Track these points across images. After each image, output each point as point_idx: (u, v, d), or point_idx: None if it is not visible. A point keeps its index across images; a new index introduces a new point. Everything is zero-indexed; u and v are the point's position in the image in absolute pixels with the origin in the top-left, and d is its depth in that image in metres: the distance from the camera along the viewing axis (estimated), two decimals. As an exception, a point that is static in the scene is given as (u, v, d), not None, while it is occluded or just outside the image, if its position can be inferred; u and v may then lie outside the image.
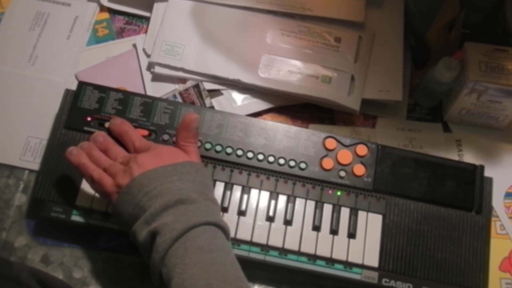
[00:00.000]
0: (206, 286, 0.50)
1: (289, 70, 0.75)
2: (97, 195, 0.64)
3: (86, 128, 0.67)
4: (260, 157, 0.67)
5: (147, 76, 0.76)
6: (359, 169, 0.67)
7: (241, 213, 0.65)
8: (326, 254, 0.64)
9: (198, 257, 0.52)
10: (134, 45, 0.78)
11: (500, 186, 0.71)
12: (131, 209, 0.56)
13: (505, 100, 0.70)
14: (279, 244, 0.64)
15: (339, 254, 0.64)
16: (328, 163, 0.67)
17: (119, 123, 0.65)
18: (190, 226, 0.53)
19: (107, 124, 0.67)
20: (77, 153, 0.61)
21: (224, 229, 0.56)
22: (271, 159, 0.67)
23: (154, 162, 0.58)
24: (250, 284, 0.55)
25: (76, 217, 0.64)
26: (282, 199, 0.66)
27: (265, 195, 0.66)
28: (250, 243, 0.64)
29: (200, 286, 0.50)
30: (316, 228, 0.65)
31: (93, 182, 0.59)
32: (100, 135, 0.64)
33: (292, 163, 0.67)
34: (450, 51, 0.71)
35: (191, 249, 0.52)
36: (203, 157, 0.67)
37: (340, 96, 0.73)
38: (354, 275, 0.63)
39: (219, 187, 0.66)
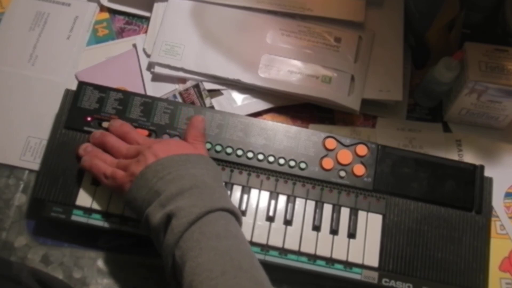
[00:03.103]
0: (221, 272, 0.50)
1: (289, 70, 0.75)
2: (97, 195, 0.64)
3: (86, 128, 0.67)
4: (260, 157, 0.67)
5: (147, 76, 0.76)
6: (359, 169, 0.67)
7: (241, 213, 0.65)
8: (326, 254, 0.64)
9: (215, 243, 0.52)
10: (134, 45, 0.78)
11: (500, 186, 0.71)
12: (144, 194, 0.56)
13: (505, 100, 0.70)
14: (279, 244, 0.64)
15: (339, 254, 0.64)
16: (328, 163, 0.67)
17: (118, 125, 0.66)
18: (206, 210, 0.54)
19: (105, 124, 0.67)
20: (88, 158, 0.63)
21: (237, 216, 0.57)
22: (271, 159, 0.67)
23: (167, 151, 0.59)
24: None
25: (76, 217, 0.64)
26: (282, 199, 0.66)
27: (265, 195, 0.66)
28: (250, 243, 0.64)
29: (216, 272, 0.50)
30: (316, 228, 0.65)
31: (106, 178, 0.61)
32: (97, 132, 0.65)
33: (292, 163, 0.67)
34: (450, 51, 0.71)
35: (208, 234, 0.52)
36: (203, 157, 0.67)
37: (340, 96, 0.73)
38: (354, 275, 0.63)
39: (219, 187, 0.66)
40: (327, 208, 0.66)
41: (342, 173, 0.67)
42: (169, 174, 0.56)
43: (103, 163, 0.62)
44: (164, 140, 0.63)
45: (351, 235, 0.65)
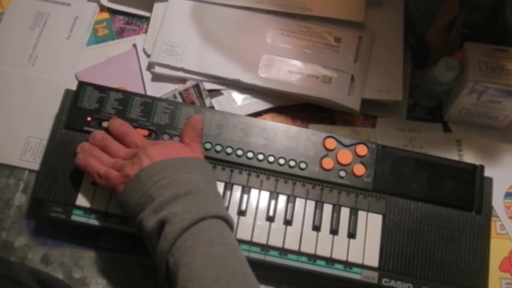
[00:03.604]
0: (214, 279, 0.50)
1: (289, 70, 0.75)
2: (97, 195, 0.64)
3: (86, 128, 0.67)
4: (260, 157, 0.67)
5: (147, 76, 0.76)
6: (359, 169, 0.67)
7: (241, 213, 0.65)
8: (326, 254, 0.64)
9: (208, 249, 0.52)
10: (134, 45, 0.78)
11: (500, 186, 0.71)
12: (138, 197, 0.56)
13: (505, 100, 0.70)
14: (279, 244, 0.64)
15: (339, 254, 0.64)
16: (328, 163, 0.67)
17: (118, 125, 0.65)
18: (200, 217, 0.53)
19: (105, 124, 0.67)
20: (83, 156, 0.62)
21: (231, 224, 0.57)
22: (271, 159, 0.67)
23: (163, 154, 0.58)
24: (250, 284, 0.55)
25: (76, 217, 0.64)
26: (282, 199, 0.66)
27: (265, 195, 0.66)
28: (250, 243, 0.64)
29: (209, 278, 0.50)
30: (316, 228, 0.65)
31: (99, 177, 0.60)
32: (98, 133, 0.65)
33: (292, 163, 0.67)
34: (450, 51, 0.71)
35: (201, 240, 0.52)
36: (203, 157, 0.67)
37: (340, 96, 0.73)
38: (354, 275, 0.63)
39: (219, 187, 0.65)
40: (327, 208, 0.66)
41: (342, 173, 0.67)
42: (164, 179, 0.56)
43: (98, 162, 0.61)
44: (161, 142, 0.63)
45: (351, 235, 0.65)
